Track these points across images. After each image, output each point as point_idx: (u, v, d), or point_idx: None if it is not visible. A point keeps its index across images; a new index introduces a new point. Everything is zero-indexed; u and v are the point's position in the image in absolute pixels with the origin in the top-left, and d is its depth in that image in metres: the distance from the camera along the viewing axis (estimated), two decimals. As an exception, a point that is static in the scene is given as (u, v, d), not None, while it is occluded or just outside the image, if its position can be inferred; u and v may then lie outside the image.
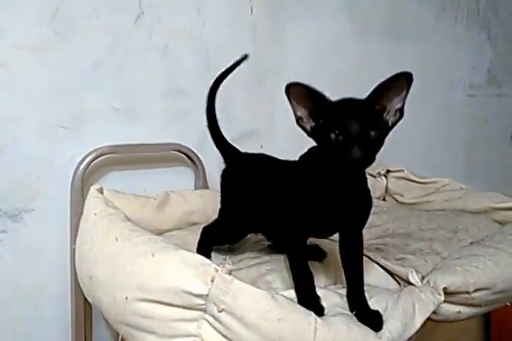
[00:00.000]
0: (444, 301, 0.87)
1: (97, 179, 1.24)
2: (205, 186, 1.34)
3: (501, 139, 2.16)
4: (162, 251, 0.76)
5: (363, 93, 1.70)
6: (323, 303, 0.78)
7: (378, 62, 1.73)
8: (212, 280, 0.69)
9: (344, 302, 0.81)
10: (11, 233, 1.15)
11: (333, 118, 0.73)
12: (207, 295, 0.69)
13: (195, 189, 1.33)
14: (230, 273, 0.70)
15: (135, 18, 1.24)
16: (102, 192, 1.07)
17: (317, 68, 1.59)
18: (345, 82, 1.65)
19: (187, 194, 1.22)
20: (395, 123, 0.77)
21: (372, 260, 0.97)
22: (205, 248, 0.99)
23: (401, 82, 0.76)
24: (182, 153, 1.31)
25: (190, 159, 1.32)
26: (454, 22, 1.97)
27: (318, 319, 0.72)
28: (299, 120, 0.78)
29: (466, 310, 0.91)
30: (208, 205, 1.21)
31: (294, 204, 0.81)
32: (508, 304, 1.00)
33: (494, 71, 2.09)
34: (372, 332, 0.74)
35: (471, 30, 2.01)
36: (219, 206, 1.02)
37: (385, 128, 0.75)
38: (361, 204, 0.81)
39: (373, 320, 0.76)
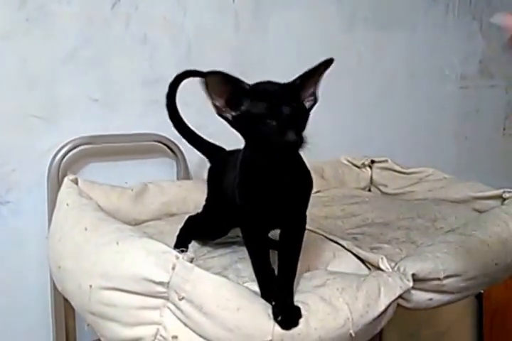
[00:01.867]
0: (415, 288, 0.86)
1: (76, 170, 1.24)
2: (187, 177, 1.34)
3: (493, 131, 2.14)
4: (126, 240, 0.76)
5: (348, 82, 1.69)
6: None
7: (366, 52, 1.71)
8: (173, 268, 0.68)
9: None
10: (-12, 224, 1.15)
11: (259, 103, 0.71)
12: (168, 282, 0.68)
13: (178, 180, 1.32)
14: (191, 260, 0.70)
15: (111, 5, 1.23)
16: (76, 183, 1.06)
17: (302, 58, 1.57)
18: (332, 72, 1.63)
19: (165, 185, 1.21)
20: (311, 108, 0.77)
21: (345, 248, 0.97)
22: (184, 236, 0.97)
23: (320, 68, 0.77)
24: (162, 143, 1.30)
25: (171, 150, 1.31)
26: (446, 11, 1.95)
27: None
28: (219, 110, 0.75)
29: (437, 297, 0.90)
30: (187, 196, 1.20)
31: (238, 197, 0.79)
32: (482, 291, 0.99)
33: (486, 62, 2.07)
34: (331, 317, 0.73)
35: (462, 19, 1.99)
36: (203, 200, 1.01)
37: (306, 112, 0.75)
38: (302, 186, 0.79)
39: (287, 316, 0.70)
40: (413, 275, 0.85)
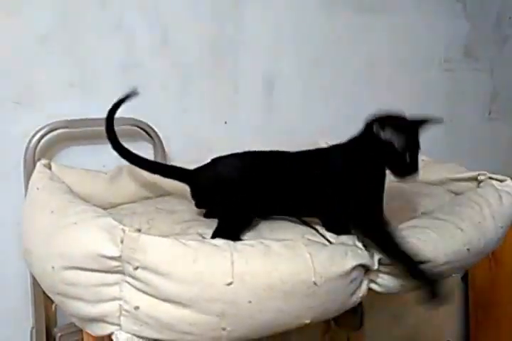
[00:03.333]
0: (386, 273, 0.88)
1: (54, 155, 1.24)
2: (164, 161, 1.34)
3: (478, 115, 2.14)
4: (84, 220, 0.77)
5: (329, 68, 1.67)
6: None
7: (345, 36, 1.70)
8: (121, 241, 0.71)
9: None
10: (-36, 210, 1.16)
11: None
12: (120, 256, 0.71)
13: (155, 164, 1.32)
14: (138, 231, 0.72)
15: (85, -13, 1.22)
16: (50, 168, 1.06)
17: (279, 43, 1.57)
18: (309, 56, 1.63)
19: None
20: None
21: (318, 232, 0.97)
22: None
23: None
24: (140, 128, 1.30)
25: (148, 134, 1.31)
26: (428, -8, 1.93)
27: (234, 252, 0.74)
28: None
29: (410, 283, 0.90)
30: (163, 180, 1.20)
31: None
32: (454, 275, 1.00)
33: (471, 44, 2.05)
34: (291, 261, 0.76)
35: (445, 1, 1.96)
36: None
37: None
38: None
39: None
40: (380, 259, 0.86)
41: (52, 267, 0.76)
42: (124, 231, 0.71)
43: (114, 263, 0.71)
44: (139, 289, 0.72)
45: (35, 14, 1.17)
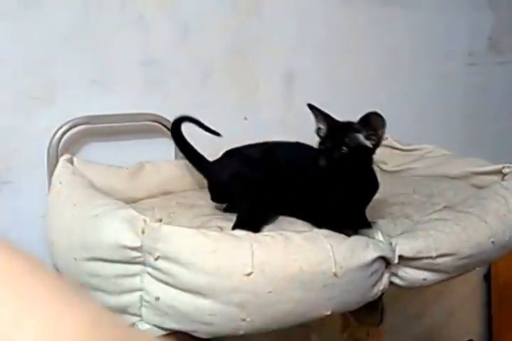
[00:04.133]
0: (407, 266, 0.87)
1: (75, 150, 1.26)
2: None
3: (501, 109, 2.10)
4: (105, 212, 0.78)
5: (350, 64, 1.65)
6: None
7: (367, 30, 1.69)
8: (142, 232, 0.71)
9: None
10: (-10, 204, 1.18)
11: None
12: (141, 246, 0.71)
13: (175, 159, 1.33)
14: (159, 221, 0.72)
15: (106, -16, 1.24)
16: (72, 163, 1.08)
17: (300, 39, 1.56)
18: (330, 52, 1.62)
19: (162, 164, 1.23)
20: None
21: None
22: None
23: None
24: (160, 123, 1.31)
25: (169, 130, 1.31)
26: (451, -17, 1.90)
27: (254, 243, 0.74)
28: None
29: (432, 277, 0.90)
30: (184, 175, 1.22)
31: None
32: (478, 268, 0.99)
33: (496, 37, 2.01)
34: (312, 252, 0.76)
35: (470, -9, 1.93)
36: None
37: None
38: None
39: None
40: (401, 255, 0.85)
41: (75, 258, 0.77)
42: (145, 221, 0.71)
43: (135, 254, 0.72)
44: (159, 280, 0.72)
45: (57, 11, 1.18)
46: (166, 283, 0.72)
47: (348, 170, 0.91)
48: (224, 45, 1.43)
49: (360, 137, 0.91)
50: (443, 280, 0.94)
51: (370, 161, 0.94)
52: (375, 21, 1.70)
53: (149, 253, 0.71)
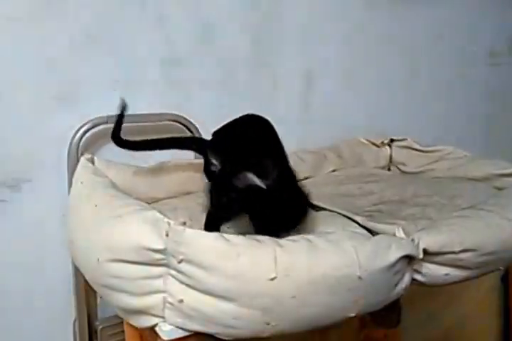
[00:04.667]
0: (430, 261, 0.86)
1: (96, 150, 1.26)
2: (204, 157, 1.34)
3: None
4: (129, 213, 0.78)
5: (369, 64, 1.64)
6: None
7: (387, 29, 1.68)
8: (166, 234, 0.71)
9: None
10: (11, 203, 1.18)
11: None
12: (165, 249, 0.71)
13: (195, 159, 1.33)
14: (183, 224, 0.73)
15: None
16: (92, 162, 1.08)
17: (322, 35, 1.55)
18: (350, 52, 1.62)
19: (182, 163, 1.22)
20: None
21: (360, 225, 0.96)
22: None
23: None
24: (180, 123, 1.31)
25: (189, 129, 1.32)
26: (473, -17, 1.88)
27: (278, 247, 0.73)
28: None
29: (454, 273, 0.89)
30: (203, 175, 1.21)
31: None
32: (502, 268, 0.97)
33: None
34: (336, 255, 0.75)
35: (493, -10, 1.91)
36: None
37: None
38: None
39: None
40: (425, 248, 0.84)
41: (98, 259, 0.77)
42: (169, 224, 0.71)
43: (159, 256, 0.72)
44: (183, 282, 0.72)
45: (79, 11, 1.19)
46: (190, 286, 0.72)
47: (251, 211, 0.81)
48: (244, 46, 1.42)
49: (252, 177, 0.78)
50: (465, 279, 0.92)
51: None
52: (397, 21, 1.69)
53: (173, 256, 0.71)
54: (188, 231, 0.71)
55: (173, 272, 0.73)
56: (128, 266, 0.73)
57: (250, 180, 0.76)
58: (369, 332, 1.49)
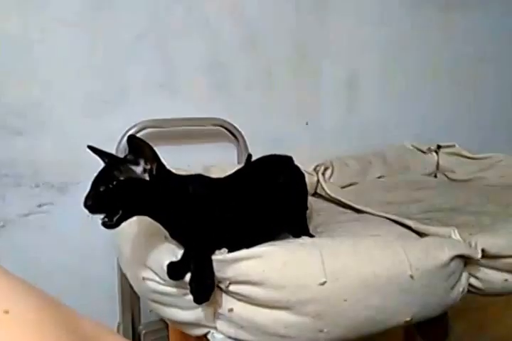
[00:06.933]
0: (488, 266, 0.83)
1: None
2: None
3: None
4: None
5: (412, 68, 1.60)
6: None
7: (430, 33, 1.65)
8: None
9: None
10: (59, 205, 1.19)
11: None
12: None
13: (238, 164, 1.32)
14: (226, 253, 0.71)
15: (174, -10, 1.24)
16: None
17: (363, 41, 1.54)
18: (393, 56, 1.59)
19: (226, 168, 1.21)
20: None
21: (411, 229, 0.93)
22: None
23: None
24: (224, 128, 1.31)
25: (232, 134, 1.31)
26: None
27: (323, 251, 0.71)
28: None
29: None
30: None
31: None
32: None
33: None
34: (383, 255, 0.73)
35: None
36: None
37: None
38: None
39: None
40: (483, 250, 0.80)
41: (143, 278, 0.76)
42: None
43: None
44: (233, 297, 0.71)
45: (127, 15, 1.20)
46: (240, 300, 0.70)
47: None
48: (287, 50, 1.42)
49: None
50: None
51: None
52: (439, 26, 1.66)
53: (220, 282, 0.69)
54: (229, 256, 0.69)
55: (222, 293, 0.71)
56: (174, 287, 0.72)
57: (133, 172, 0.73)
58: (416, 347, 1.45)
